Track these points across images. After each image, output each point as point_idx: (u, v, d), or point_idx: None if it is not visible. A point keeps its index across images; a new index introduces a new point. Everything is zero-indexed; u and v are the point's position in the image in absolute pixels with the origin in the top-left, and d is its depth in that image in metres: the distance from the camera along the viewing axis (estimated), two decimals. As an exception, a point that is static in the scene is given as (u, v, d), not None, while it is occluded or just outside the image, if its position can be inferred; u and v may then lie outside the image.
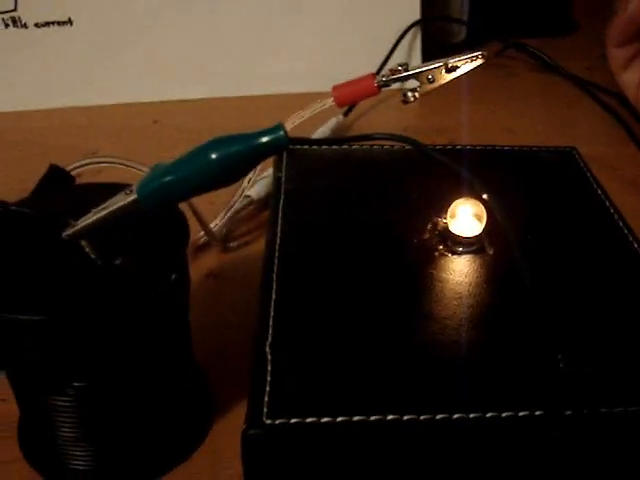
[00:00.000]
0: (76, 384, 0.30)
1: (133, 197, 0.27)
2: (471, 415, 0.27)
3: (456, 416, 0.27)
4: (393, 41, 0.70)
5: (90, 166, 0.41)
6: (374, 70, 0.68)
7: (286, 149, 0.25)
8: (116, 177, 0.37)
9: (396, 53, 0.70)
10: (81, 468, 0.33)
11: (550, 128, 0.65)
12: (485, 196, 0.35)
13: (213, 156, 0.26)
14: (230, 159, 0.26)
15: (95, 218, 0.28)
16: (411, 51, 0.72)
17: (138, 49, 0.70)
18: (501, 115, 0.67)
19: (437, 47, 0.74)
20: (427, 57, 0.72)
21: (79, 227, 0.29)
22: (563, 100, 0.68)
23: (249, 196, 0.50)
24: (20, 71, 0.69)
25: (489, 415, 0.27)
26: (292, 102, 0.68)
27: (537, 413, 0.27)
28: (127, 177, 0.37)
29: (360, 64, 0.68)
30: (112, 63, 0.70)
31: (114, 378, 0.31)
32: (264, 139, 0.25)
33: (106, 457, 0.34)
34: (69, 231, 0.29)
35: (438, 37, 0.77)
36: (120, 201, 0.28)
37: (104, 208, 0.28)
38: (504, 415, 0.27)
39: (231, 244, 0.48)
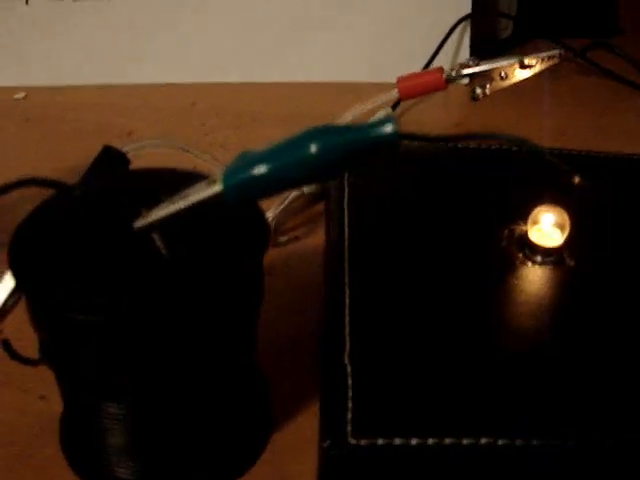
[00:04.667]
0: (134, 390, 0.28)
1: (218, 188, 0.24)
2: (559, 442, 0.25)
3: (535, 442, 0.25)
4: (442, 35, 0.68)
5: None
6: (421, 63, 0.66)
7: (396, 147, 0.23)
8: (156, 160, 0.34)
9: (445, 47, 0.68)
10: (126, 478, 0.31)
11: (603, 132, 0.62)
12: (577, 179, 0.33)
13: (314, 148, 0.23)
14: (334, 152, 0.23)
15: (172, 210, 0.25)
16: (459, 45, 0.70)
17: (177, 29, 0.68)
18: (553, 117, 0.65)
19: (484, 43, 0.71)
20: (475, 52, 0.70)
21: (153, 219, 0.26)
22: (617, 103, 0.65)
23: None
24: (56, 45, 0.67)
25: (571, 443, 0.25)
26: (331, 90, 0.65)
27: None
28: (168, 161, 0.34)
29: (407, 56, 0.66)
30: (150, 42, 0.68)
31: (174, 383, 0.28)
32: (375, 132, 0.22)
33: (154, 470, 0.31)
34: (141, 222, 0.26)
35: (484, 32, 0.74)
36: (201, 191, 0.25)
37: (181, 198, 0.25)
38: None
39: (280, 238, 0.46)
